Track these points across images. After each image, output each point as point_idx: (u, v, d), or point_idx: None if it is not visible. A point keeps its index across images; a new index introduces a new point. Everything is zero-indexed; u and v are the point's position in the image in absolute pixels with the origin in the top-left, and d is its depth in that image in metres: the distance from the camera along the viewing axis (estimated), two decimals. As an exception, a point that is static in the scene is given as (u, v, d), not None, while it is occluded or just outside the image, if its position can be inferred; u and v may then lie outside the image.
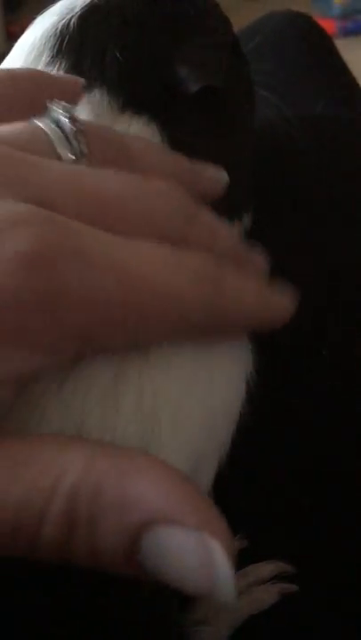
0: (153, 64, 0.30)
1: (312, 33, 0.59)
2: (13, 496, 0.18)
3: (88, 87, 0.28)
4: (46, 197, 0.21)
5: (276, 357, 0.29)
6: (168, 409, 0.24)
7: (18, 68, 0.29)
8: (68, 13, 0.30)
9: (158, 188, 0.24)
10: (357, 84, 0.58)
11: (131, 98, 0.29)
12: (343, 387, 0.33)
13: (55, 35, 0.30)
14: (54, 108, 0.25)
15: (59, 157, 0.23)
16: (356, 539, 0.30)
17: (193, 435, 0.24)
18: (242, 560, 0.28)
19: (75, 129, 0.24)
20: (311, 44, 0.58)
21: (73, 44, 0.30)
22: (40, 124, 0.24)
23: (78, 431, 0.22)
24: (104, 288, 0.20)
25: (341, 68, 0.58)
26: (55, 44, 0.30)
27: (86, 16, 0.30)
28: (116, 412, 0.23)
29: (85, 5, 0.31)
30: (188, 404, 0.24)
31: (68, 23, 0.30)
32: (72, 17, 0.30)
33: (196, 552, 0.18)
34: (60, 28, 0.30)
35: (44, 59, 0.30)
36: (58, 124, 0.24)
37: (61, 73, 0.29)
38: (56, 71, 0.29)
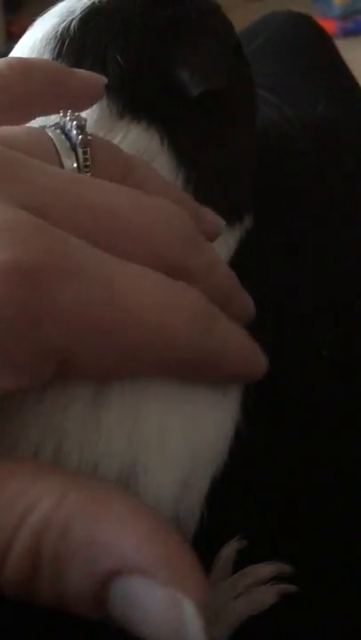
0: (154, 67, 0.30)
1: (312, 33, 0.59)
2: None
3: None
4: (42, 204, 0.20)
5: (276, 357, 0.29)
6: (152, 426, 0.23)
7: (34, 59, 0.28)
8: (68, 15, 0.30)
9: (162, 207, 0.23)
10: (358, 85, 0.58)
11: (131, 102, 0.29)
12: (343, 387, 0.33)
13: (56, 37, 0.30)
14: (65, 115, 0.24)
15: (61, 166, 0.23)
16: (356, 539, 0.30)
17: (179, 451, 0.23)
18: (241, 560, 0.28)
19: (81, 139, 0.23)
20: (311, 44, 0.58)
21: (73, 46, 0.30)
22: (47, 130, 0.23)
23: (57, 448, 0.21)
24: (90, 310, 0.19)
25: (341, 69, 0.58)
26: (56, 47, 0.30)
27: (87, 19, 0.30)
28: (98, 428, 0.22)
29: (86, 8, 0.30)
30: (173, 419, 0.23)
31: (69, 26, 0.30)
32: (73, 19, 0.30)
33: (166, 607, 0.17)
34: (60, 30, 0.30)
35: None
36: (65, 132, 0.23)
37: (82, 70, 0.27)
38: None
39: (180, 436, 0.24)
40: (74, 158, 0.23)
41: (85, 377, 0.21)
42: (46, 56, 0.30)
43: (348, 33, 2.01)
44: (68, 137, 0.23)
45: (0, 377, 0.18)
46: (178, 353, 0.22)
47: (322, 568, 0.29)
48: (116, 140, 0.28)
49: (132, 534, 0.17)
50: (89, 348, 0.20)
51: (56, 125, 0.24)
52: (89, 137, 0.24)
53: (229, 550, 0.28)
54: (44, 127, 0.24)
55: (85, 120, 0.24)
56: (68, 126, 0.24)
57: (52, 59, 0.30)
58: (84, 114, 0.27)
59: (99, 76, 0.27)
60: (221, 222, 0.28)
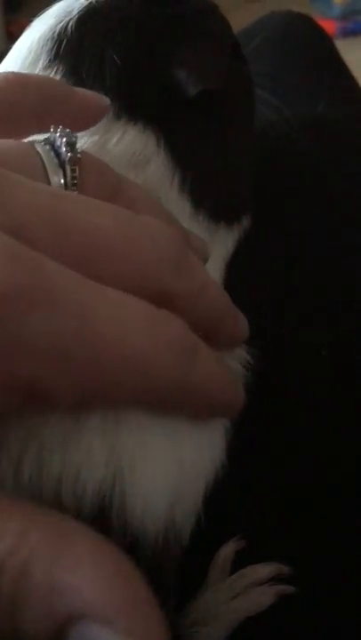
0: (151, 67, 0.30)
1: (312, 33, 0.59)
2: None
3: None
4: (22, 223, 0.19)
5: (276, 357, 0.29)
6: (135, 438, 0.22)
7: (31, 75, 0.27)
8: (65, 16, 0.30)
9: (148, 225, 0.23)
10: (357, 85, 0.58)
11: (128, 103, 0.29)
12: (343, 387, 0.33)
13: (53, 38, 0.30)
14: (55, 131, 0.23)
15: (48, 183, 0.22)
16: (356, 539, 0.30)
17: (165, 465, 0.23)
18: (239, 561, 0.28)
19: (70, 157, 0.23)
20: (311, 44, 0.58)
21: (71, 47, 0.29)
22: (36, 145, 0.23)
23: (38, 464, 0.21)
24: (61, 341, 0.18)
25: (341, 69, 0.58)
26: (53, 48, 0.30)
27: (84, 19, 0.30)
28: (78, 439, 0.22)
29: (83, 8, 0.30)
30: (157, 432, 0.23)
31: (66, 26, 0.30)
32: (70, 20, 0.30)
33: None
34: (57, 31, 0.30)
35: (41, 62, 0.30)
36: (55, 148, 0.23)
37: (84, 89, 0.27)
38: (53, 75, 0.29)
39: (167, 447, 0.23)
40: (61, 175, 0.22)
41: (59, 405, 0.20)
42: (44, 57, 0.30)
43: (347, 33, 2.00)
44: (58, 153, 0.23)
45: None
46: (155, 388, 0.21)
47: (322, 568, 0.29)
48: (112, 141, 0.28)
49: (93, 580, 0.16)
50: (59, 380, 0.19)
51: (46, 141, 0.23)
52: (78, 155, 0.23)
53: (228, 550, 0.28)
54: (34, 142, 0.24)
55: (76, 137, 0.24)
56: (58, 142, 0.23)
57: (50, 59, 0.30)
58: None
59: (101, 96, 0.27)
60: (208, 250, 0.27)
